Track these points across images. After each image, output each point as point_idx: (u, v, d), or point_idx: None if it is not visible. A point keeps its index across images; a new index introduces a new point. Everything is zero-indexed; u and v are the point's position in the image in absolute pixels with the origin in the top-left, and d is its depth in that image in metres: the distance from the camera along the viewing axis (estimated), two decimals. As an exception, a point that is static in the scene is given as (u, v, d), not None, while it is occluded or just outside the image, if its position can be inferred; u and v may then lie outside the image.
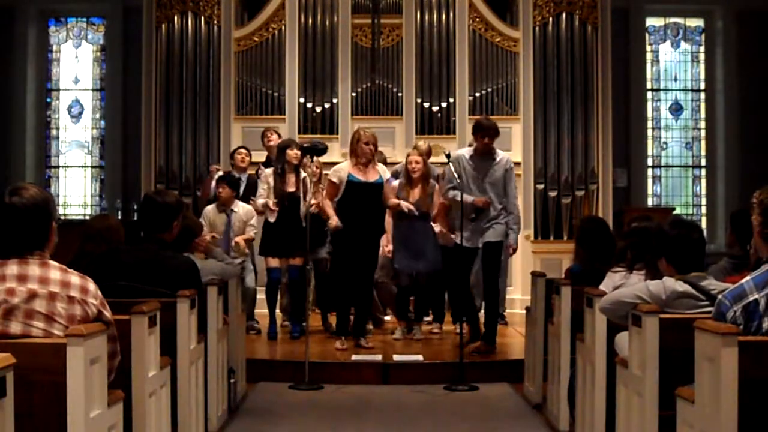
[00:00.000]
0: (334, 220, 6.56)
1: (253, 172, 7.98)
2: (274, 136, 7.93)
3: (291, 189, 7.04)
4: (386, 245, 7.13)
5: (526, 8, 9.62)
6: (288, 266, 7.18)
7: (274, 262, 7.15)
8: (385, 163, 7.39)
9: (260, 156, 8.23)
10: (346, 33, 9.55)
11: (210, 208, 7.51)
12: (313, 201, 6.85)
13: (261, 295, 7.88)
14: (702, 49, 11.28)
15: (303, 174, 7.07)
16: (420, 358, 6.38)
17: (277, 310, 7.49)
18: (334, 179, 6.65)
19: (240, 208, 7.42)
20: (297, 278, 7.08)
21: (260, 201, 7.07)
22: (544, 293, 5.25)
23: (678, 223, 3.58)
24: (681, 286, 3.38)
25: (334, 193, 6.62)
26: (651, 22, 11.26)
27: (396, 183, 7.01)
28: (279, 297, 7.51)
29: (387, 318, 8.09)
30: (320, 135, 9.09)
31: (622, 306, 3.49)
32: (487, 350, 6.50)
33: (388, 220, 7.00)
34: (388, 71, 9.59)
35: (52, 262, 2.70)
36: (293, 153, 7.04)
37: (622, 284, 4.02)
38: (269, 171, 7.20)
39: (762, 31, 10.81)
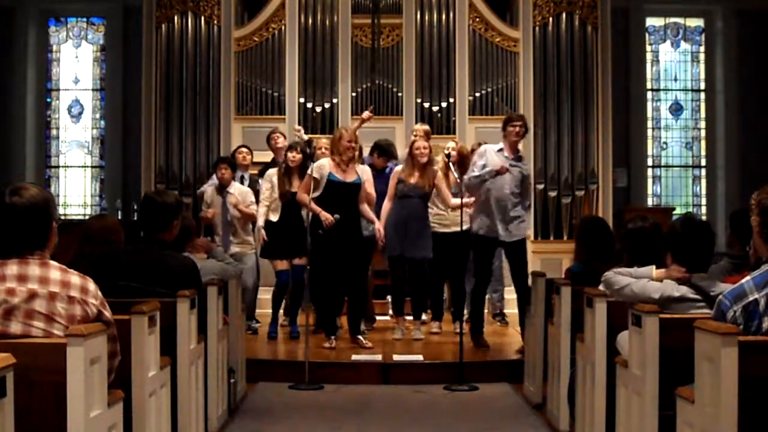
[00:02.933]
0: (325, 216, 6.49)
1: (256, 171, 8.01)
2: (281, 139, 7.93)
3: (293, 189, 7.08)
4: (380, 236, 6.93)
5: (526, 8, 9.62)
6: (292, 266, 7.19)
7: (282, 265, 7.17)
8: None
9: (262, 156, 8.24)
10: (346, 33, 9.55)
11: (209, 189, 7.65)
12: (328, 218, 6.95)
13: (261, 295, 7.88)
14: (702, 49, 11.29)
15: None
16: (420, 358, 6.38)
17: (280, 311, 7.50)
18: (316, 175, 6.62)
19: (236, 189, 7.49)
20: (301, 278, 7.09)
21: (260, 221, 7.16)
22: (544, 293, 5.25)
23: (689, 222, 3.58)
24: (677, 291, 3.39)
25: (310, 187, 6.50)
26: (651, 22, 11.26)
27: (398, 168, 7.09)
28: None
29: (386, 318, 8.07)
30: (320, 135, 9.08)
31: (625, 297, 3.53)
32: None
33: (386, 206, 6.98)
34: (388, 71, 9.58)
35: (52, 262, 2.70)
36: (291, 155, 7.11)
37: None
38: (273, 170, 7.26)
39: (762, 31, 10.81)
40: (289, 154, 7.16)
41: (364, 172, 6.76)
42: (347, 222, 6.59)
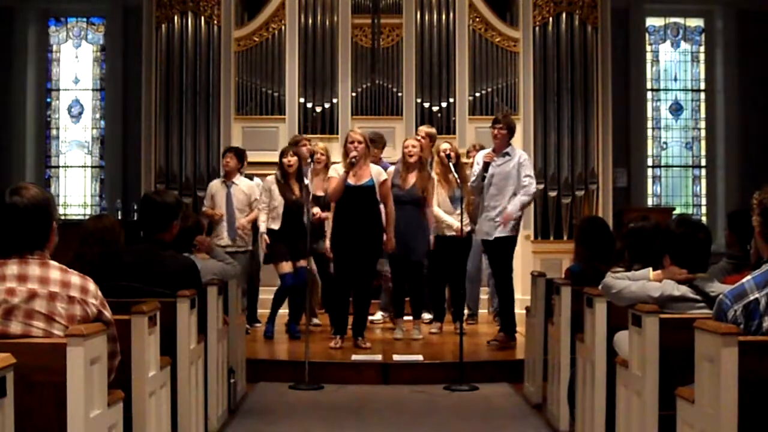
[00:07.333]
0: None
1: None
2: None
3: (296, 194, 7.08)
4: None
5: (526, 8, 9.61)
6: (295, 268, 7.17)
7: (287, 267, 7.13)
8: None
9: (261, 156, 8.23)
10: (346, 33, 9.54)
11: (215, 182, 7.64)
12: (315, 210, 6.93)
13: (262, 295, 7.88)
14: (702, 49, 11.28)
15: (306, 181, 7.11)
16: (420, 358, 6.39)
17: (283, 310, 7.48)
18: (334, 174, 6.72)
19: (241, 181, 7.46)
20: (304, 279, 7.09)
21: (262, 227, 7.14)
22: (544, 293, 5.26)
23: (684, 222, 3.57)
24: (678, 290, 3.39)
25: (338, 185, 6.63)
26: (651, 22, 11.26)
27: (391, 169, 7.11)
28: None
29: (377, 317, 8.07)
30: (320, 135, 9.10)
31: (625, 299, 3.53)
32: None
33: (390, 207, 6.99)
34: (388, 71, 9.57)
35: (52, 262, 2.70)
36: (286, 160, 7.10)
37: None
38: (271, 179, 7.23)
39: (762, 31, 10.80)
40: (284, 159, 7.14)
41: (380, 174, 6.74)
42: (362, 224, 6.61)
